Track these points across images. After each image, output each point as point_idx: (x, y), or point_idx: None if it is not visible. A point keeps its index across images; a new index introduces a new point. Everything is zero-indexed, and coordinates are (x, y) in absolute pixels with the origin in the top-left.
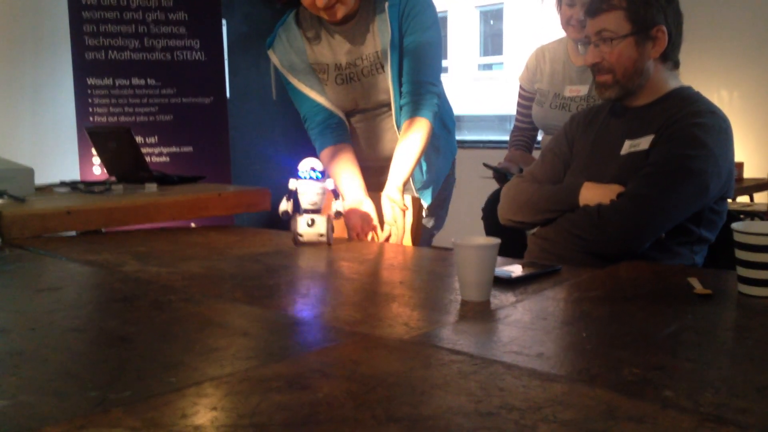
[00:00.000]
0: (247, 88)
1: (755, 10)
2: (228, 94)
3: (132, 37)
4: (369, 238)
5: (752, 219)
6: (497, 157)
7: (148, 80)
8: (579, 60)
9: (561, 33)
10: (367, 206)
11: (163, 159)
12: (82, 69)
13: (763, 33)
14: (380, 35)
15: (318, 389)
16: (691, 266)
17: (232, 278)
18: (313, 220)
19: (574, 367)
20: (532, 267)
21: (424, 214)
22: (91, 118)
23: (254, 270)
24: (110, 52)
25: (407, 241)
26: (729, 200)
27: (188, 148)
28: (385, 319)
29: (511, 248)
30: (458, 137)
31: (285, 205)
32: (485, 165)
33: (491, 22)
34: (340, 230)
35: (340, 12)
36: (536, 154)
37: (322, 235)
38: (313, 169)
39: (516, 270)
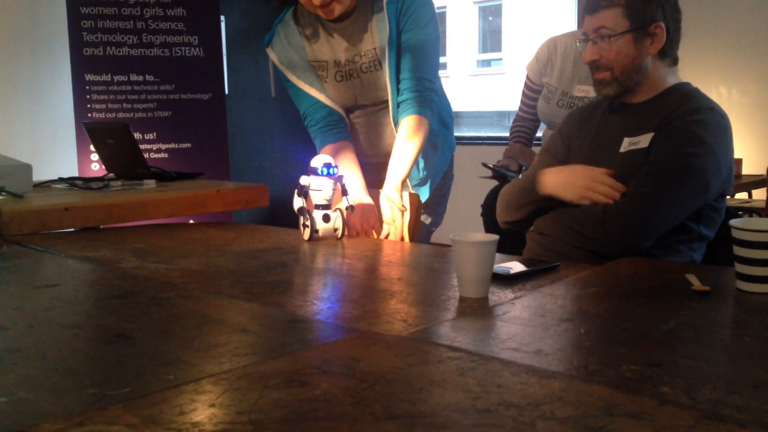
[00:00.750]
0: (246, 85)
1: (754, 6)
2: (226, 91)
3: (130, 33)
4: (369, 236)
5: (751, 215)
6: (496, 154)
7: (147, 76)
8: None
9: (557, 27)
10: (368, 204)
11: (162, 155)
12: (80, 65)
13: (762, 30)
14: (378, 32)
15: (316, 386)
16: (690, 263)
17: (231, 275)
18: (328, 216)
19: (572, 364)
20: (530, 263)
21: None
22: (89, 115)
23: (253, 266)
24: (108, 48)
25: (405, 237)
26: (728, 197)
27: (187, 145)
28: (383, 316)
29: (511, 245)
30: (457, 134)
31: (299, 202)
32: (484, 165)
33: (490, 18)
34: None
35: (337, 10)
36: (536, 149)
37: (336, 230)
38: (329, 166)
39: (514, 266)
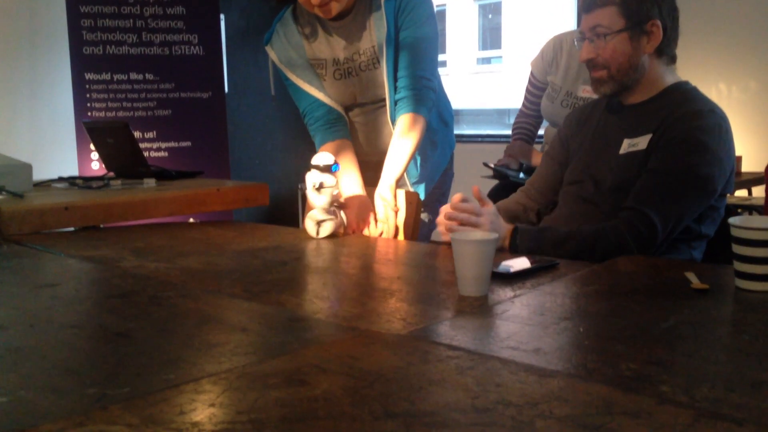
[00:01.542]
0: (246, 83)
1: (754, 3)
2: (226, 89)
3: (130, 32)
4: (364, 232)
5: (750, 213)
6: (496, 152)
7: (146, 75)
8: None
9: (557, 25)
10: (364, 203)
11: (162, 154)
12: (80, 64)
13: (761, 27)
14: (376, 30)
15: (316, 385)
16: (689, 261)
17: (231, 274)
18: (335, 211)
19: (571, 363)
20: (530, 262)
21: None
22: (89, 113)
23: (253, 265)
24: (108, 46)
25: (400, 235)
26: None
27: (186, 143)
28: (382, 315)
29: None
30: (457, 132)
31: (316, 177)
32: (485, 164)
33: (490, 15)
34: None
35: (335, 9)
36: (537, 146)
37: (344, 225)
38: (335, 164)
39: (514, 265)
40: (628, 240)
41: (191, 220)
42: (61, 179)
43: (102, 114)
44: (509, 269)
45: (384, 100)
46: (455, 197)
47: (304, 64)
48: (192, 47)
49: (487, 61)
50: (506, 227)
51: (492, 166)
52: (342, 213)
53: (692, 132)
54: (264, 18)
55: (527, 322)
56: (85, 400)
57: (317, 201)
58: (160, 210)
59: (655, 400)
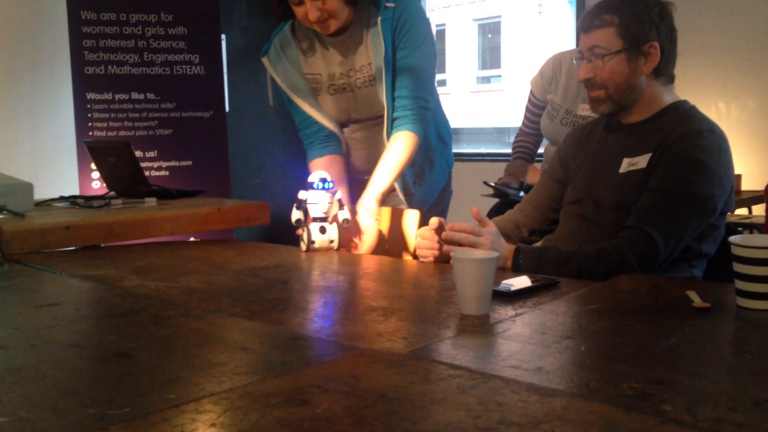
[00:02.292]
0: (247, 102)
1: (751, 22)
2: (227, 108)
3: (131, 52)
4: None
5: (751, 232)
6: (496, 170)
7: (148, 94)
8: None
9: (556, 44)
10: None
11: (163, 173)
12: (81, 83)
13: (760, 45)
14: (373, 47)
15: (317, 404)
16: (690, 279)
17: (232, 293)
18: (324, 228)
19: (573, 382)
20: (531, 280)
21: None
22: (90, 133)
23: (254, 284)
24: (110, 66)
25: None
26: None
27: (188, 162)
28: (384, 334)
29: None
30: (457, 150)
31: (297, 214)
32: (485, 183)
33: (489, 35)
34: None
35: (333, 26)
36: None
37: (332, 242)
38: (324, 180)
39: (515, 283)
40: (630, 259)
41: (192, 239)
42: (62, 198)
43: (103, 133)
44: (510, 288)
45: (380, 117)
46: (431, 222)
47: (299, 79)
48: (193, 67)
49: (486, 80)
50: (508, 247)
51: (492, 184)
52: (335, 226)
53: (692, 151)
54: (265, 38)
55: (529, 340)
56: (85, 420)
57: (296, 215)
58: (161, 229)
59: (657, 420)
